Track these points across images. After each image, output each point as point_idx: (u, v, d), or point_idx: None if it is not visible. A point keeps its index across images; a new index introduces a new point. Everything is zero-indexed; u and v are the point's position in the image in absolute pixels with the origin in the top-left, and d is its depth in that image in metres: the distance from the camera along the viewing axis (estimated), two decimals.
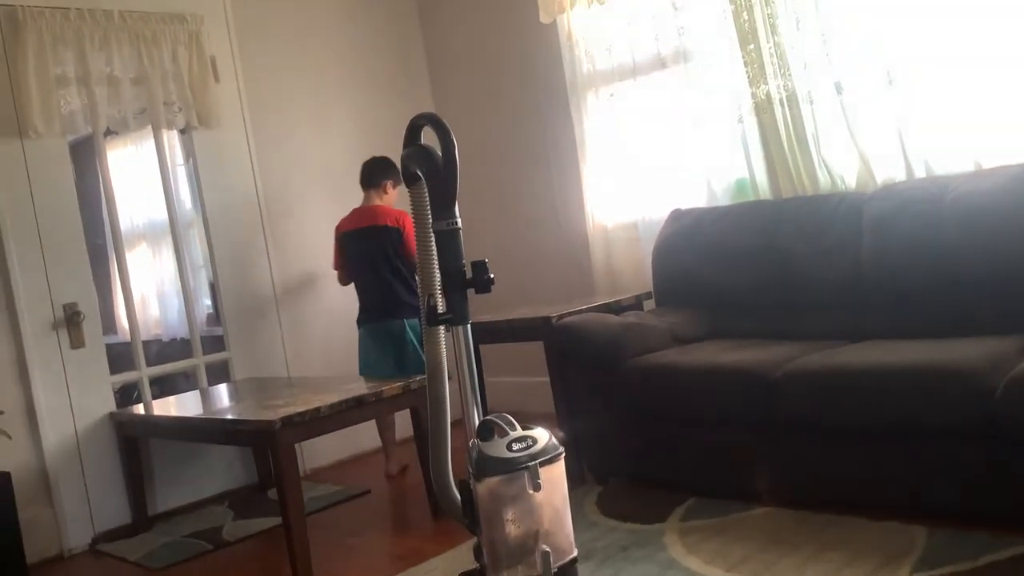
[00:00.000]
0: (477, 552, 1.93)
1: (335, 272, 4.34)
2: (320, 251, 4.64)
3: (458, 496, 2.00)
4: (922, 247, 3.09)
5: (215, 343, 4.42)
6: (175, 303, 5.53)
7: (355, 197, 4.12)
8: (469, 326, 2.10)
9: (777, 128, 3.65)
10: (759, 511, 2.91)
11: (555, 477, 1.87)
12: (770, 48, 3.62)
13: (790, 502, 2.90)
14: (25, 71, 3.65)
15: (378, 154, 4.20)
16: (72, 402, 3.77)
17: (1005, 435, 2.42)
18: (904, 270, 3.15)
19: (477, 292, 2.07)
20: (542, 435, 1.90)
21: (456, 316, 2.08)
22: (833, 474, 2.82)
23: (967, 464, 2.54)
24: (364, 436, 4.58)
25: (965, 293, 3.03)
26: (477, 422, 2.01)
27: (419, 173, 2.11)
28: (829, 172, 3.60)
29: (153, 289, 5.64)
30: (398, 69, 5.10)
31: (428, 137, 2.13)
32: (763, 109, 3.69)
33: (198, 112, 4.18)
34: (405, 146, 2.17)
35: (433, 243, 2.08)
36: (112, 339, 4.90)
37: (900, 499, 2.69)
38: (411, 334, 4.07)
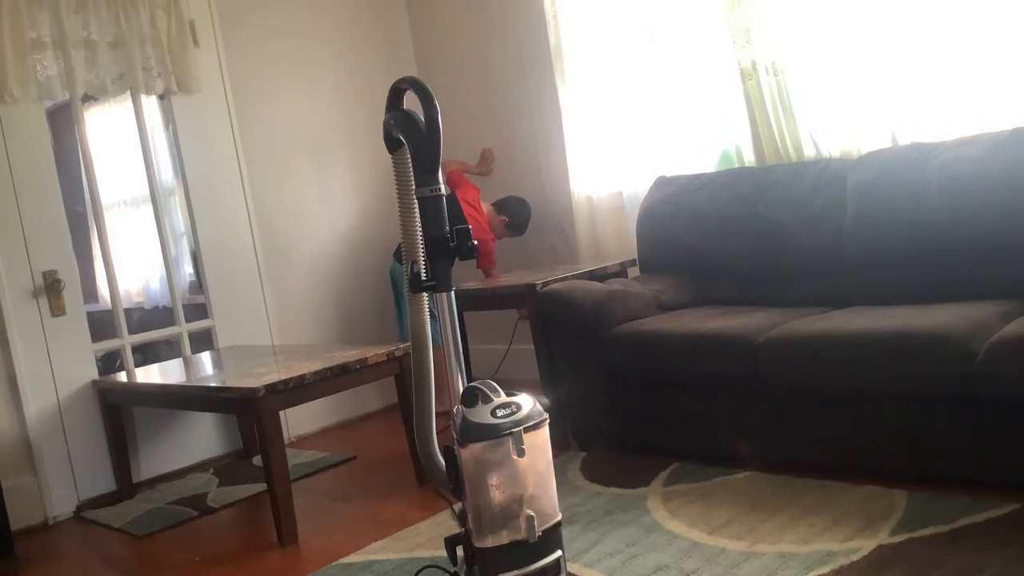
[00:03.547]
0: (461, 517, 1.94)
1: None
2: (302, 217, 4.60)
3: (443, 462, 2.01)
4: (905, 214, 3.10)
5: (198, 311, 4.39)
6: (157, 271, 5.49)
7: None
8: (453, 293, 2.10)
9: (762, 96, 3.63)
10: (741, 475, 2.94)
11: (539, 443, 1.89)
12: (755, 15, 3.58)
13: (772, 467, 2.93)
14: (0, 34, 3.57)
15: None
16: (54, 370, 3.74)
17: (985, 399, 2.45)
18: (887, 237, 3.16)
19: (460, 259, 2.07)
20: (526, 401, 1.91)
21: (440, 283, 2.07)
22: (815, 439, 2.85)
23: (947, 428, 2.57)
24: (349, 403, 4.59)
25: (947, 260, 3.05)
26: (461, 389, 2.02)
27: (401, 139, 2.10)
28: (814, 140, 3.59)
29: (134, 257, 5.59)
30: (382, 33, 5.03)
31: (411, 102, 2.11)
32: (748, 76, 3.67)
33: (177, 77, 4.11)
34: (387, 111, 2.15)
35: (416, 210, 2.08)
36: (93, 307, 4.87)
37: (881, 463, 2.72)
38: None
